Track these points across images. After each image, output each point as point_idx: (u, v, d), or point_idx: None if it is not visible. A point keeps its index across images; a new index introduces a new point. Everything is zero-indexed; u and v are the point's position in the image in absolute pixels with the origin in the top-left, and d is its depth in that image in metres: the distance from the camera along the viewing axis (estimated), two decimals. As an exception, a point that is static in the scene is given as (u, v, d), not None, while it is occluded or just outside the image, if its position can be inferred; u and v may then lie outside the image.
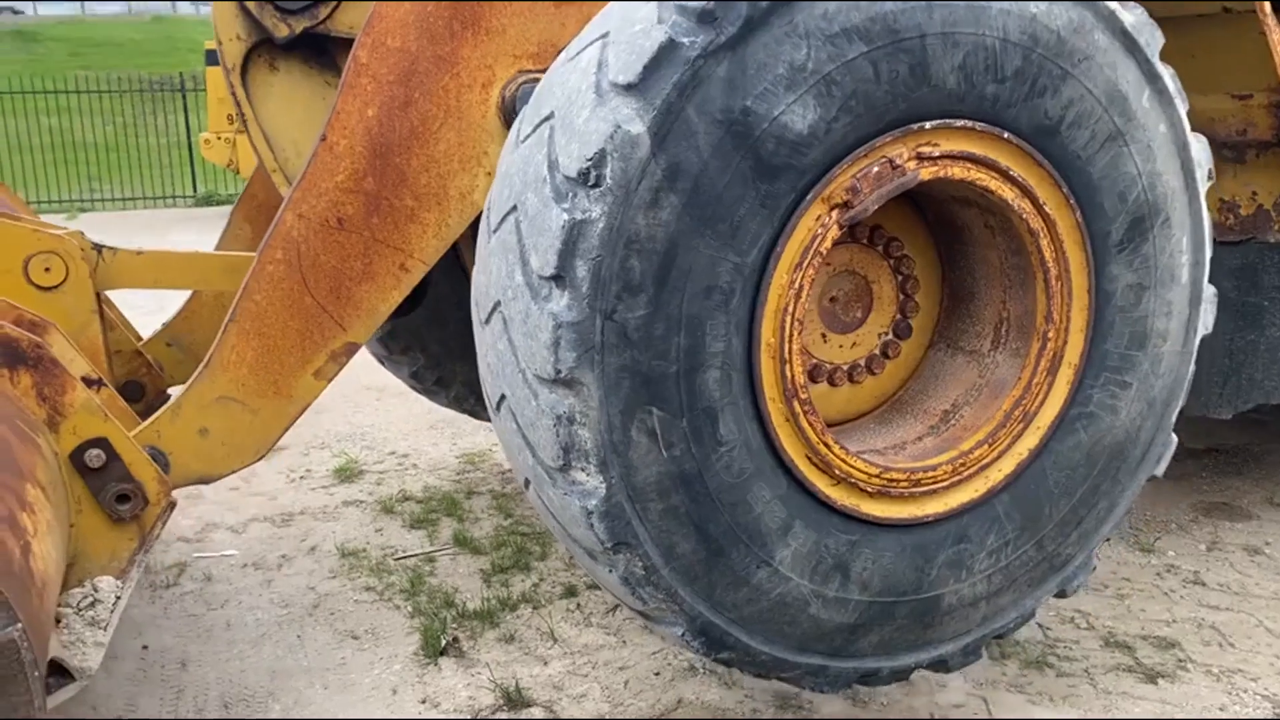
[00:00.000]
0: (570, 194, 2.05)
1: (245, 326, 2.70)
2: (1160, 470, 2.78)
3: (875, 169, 2.22)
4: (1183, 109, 2.52)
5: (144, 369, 3.46)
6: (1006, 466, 2.56)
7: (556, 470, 2.20)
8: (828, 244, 2.23)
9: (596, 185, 2.03)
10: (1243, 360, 3.37)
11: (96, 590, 2.26)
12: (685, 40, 2.02)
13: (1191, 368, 2.74)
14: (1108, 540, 2.87)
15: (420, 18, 2.70)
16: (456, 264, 3.44)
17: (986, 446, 2.54)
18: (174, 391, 3.38)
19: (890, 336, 2.75)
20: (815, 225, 2.21)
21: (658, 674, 2.89)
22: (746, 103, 2.06)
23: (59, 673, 2.05)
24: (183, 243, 12.59)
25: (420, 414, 5.35)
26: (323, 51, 3.25)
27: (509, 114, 2.78)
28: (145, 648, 3.01)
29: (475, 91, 2.77)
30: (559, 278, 2.07)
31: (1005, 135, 2.31)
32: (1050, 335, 2.52)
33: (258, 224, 3.80)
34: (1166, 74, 2.48)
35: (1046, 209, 2.41)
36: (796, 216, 2.17)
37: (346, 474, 4.48)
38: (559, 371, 2.09)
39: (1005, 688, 2.93)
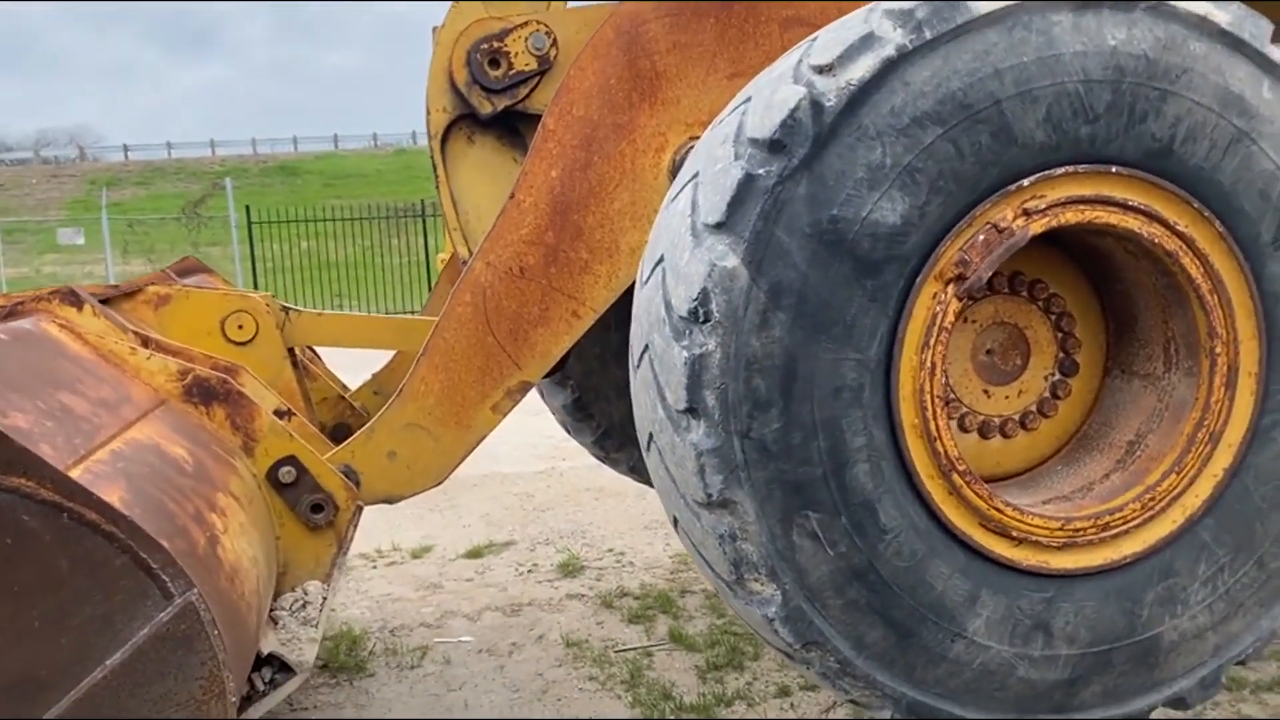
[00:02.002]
0: (686, 332, 2.21)
1: (434, 361, 2.98)
2: (1390, 458, 2.57)
3: (981, 237, 2.24)
4: (1315, 87, 2.38)
5: (349, 412, 3.85)
6: (1203, 491, 2.46)
7: (733, 583, 2.33)
8: (950, 318, 2.27)
9: (706, 320, 2.17)
10: None
11: (306, 594, 2.61)
12: (761, 171, 2.15)
13: (1402, 343, 2.53)
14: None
15: (603, 89, 2.95)
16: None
17: (1175, 475, 2.45)
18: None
19: (1057, 376, 2.71)
20: (933, 304, 2.25)
21: (870, 770, 2.93)
22: (833, 212, 2.15)
23: (283, 669, 2.35)
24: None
25: (636, 515, 5.62)
26: (514, 131, 3.56)
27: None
28: None
29: (649, 156, 2.99)
30: (692, 409, 2.22)
31: (1114, 169, 2.28)
32: (1218, 350, 2.42)
33: None
34: (1285, 58, 2.36)
35: (1179, 227, 2.34)
36: (911, 301, 2.23)
37: (569, 569, 4.77)
38: (710, 496, 2.23)
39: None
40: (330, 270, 21.60)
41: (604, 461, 4.73)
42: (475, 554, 5.10)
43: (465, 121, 3.50)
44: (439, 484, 3.05)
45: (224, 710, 1.87)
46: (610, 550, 5.07)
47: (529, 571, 4.81)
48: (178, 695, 1.84)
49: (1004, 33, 2.19)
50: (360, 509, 2.76)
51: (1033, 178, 2.24)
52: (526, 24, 3.35)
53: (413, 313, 20.72)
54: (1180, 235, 2.35)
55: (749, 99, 2.32)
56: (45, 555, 1.75)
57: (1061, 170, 2.25)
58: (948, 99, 2.16)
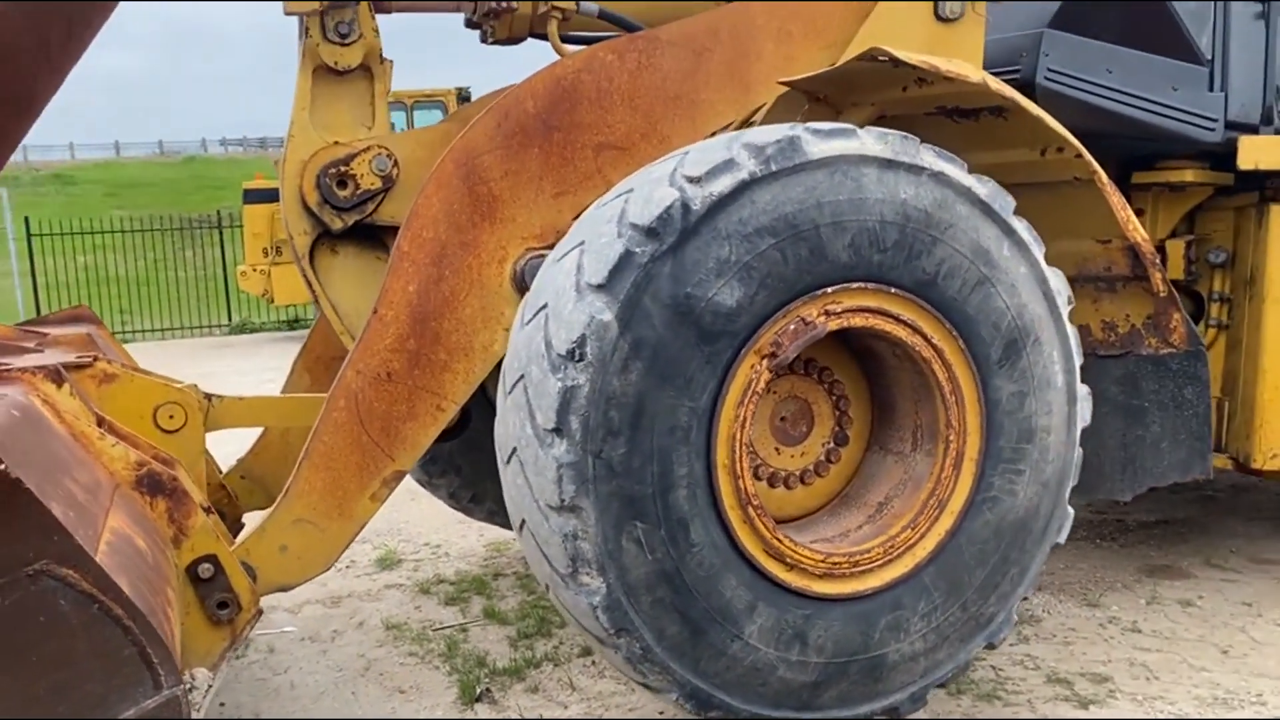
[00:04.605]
0: (563, 367, 2.75)
1: (316, 462, 3.36)
2: (1062, 538, 3.39)
3: (792, 326, 2.91)
4: (1039, 252, 3.21)
5: (225, 499, 4.11)
6: (929, 545, 3.19)
7: (568, 576, 2.85)
8: (762, 385, 2.91)
9: (581, 359, 2.73)
10: (1134, 452, 4.03)
11: (193, 679, 2.76)
12: (638, 250, 2.74)
13: (1078, 452, 3.37)
14: (1025, 599, 3.46)
15: (448, 214, 3.46)
16: (485, 398, 4.14)
17: (910, 530, 3.17)
18: (246, 517, 4.06)
19: (831, 445, 3.41)
20: (750, 372, 2.89)
21: (661, 712, 3.51)
22: (688, 289, 2.77)
23: None
24: (219, 369, 13.54)
25: (451, 511, 6.02)
26: (371, 235, 4.01)
27: (520, 283, 3.51)
28: (222, 704, 3.64)
29: (493, 267, 3.52)
30: (558, 430, 2.75)
31: (893, 290, 3.00)
32: (951, 438, 3.17)
33: (315, 373, 4.55)
34: (1021, 227, 3.17)
35: (934, 341, 3.08)
36: (735, 368, 2.86)
37: (387, 563, 5.15)
38: (563, 501, 2.76)
39: (960, 716, 3.53)
40: (113, 286, 20.54)
41: (424, 486, 5.14)
42: (291, 557, 5.35)
43: (325, 237, 3.96)
44: (328, 569, 3.42)
45: None
46: (427, 544, 5.47)
47: (347, 567, 5.13)
48: None
49: (828, 175, 2.89)
50: (260, 613, 3.05)
51: (835, 287, 2.93)
52: (369, 149, 3.86)
53: (209, 329, 20.16)
54: (934, 347, 3.09)
55: (631, 190, 2.91)
56: (69, 637, 1.97)
57: (856, 285, 2.96)
58: (781, 218, 2.83)
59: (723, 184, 2.80)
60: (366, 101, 3.95)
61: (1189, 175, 4.66)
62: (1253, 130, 4.56)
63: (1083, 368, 3.34)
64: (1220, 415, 4.66)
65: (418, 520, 5.95)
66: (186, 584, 2.89)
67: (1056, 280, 3.26)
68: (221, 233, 21.02)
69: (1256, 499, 6.14)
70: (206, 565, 2.90)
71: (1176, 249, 4.80)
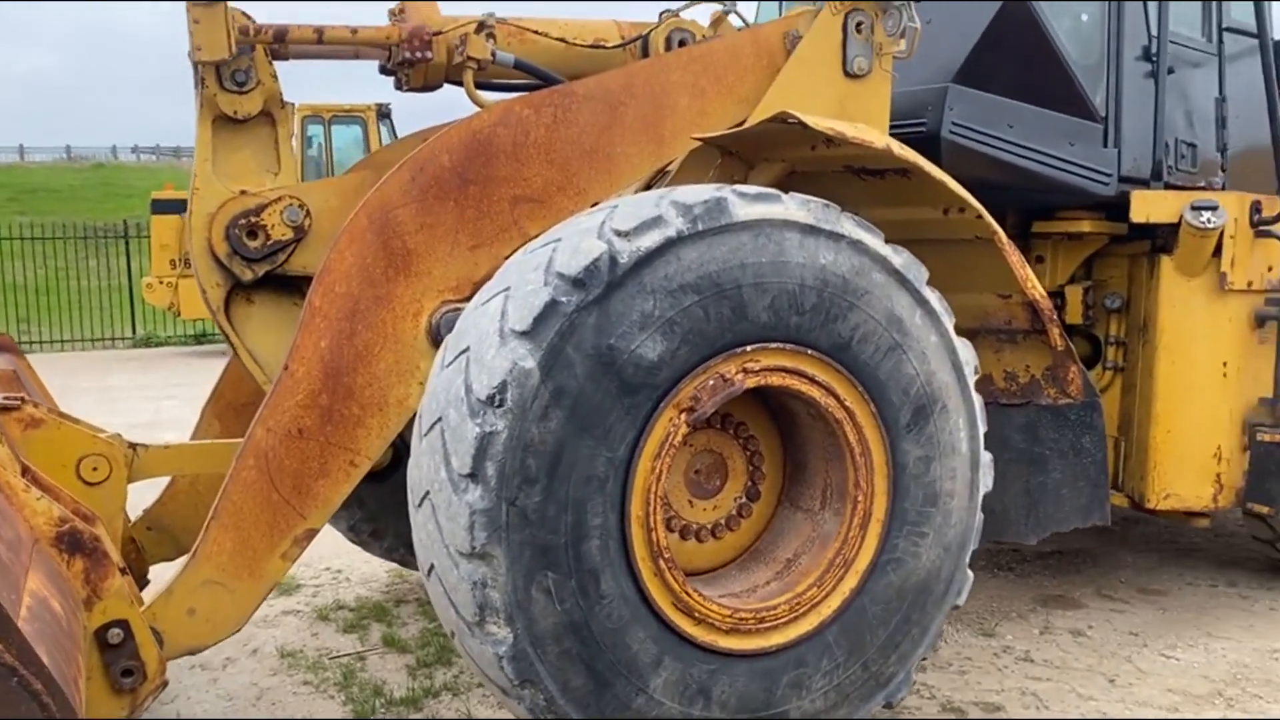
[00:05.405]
0: (482, 412, 2.74)
1: (225, 522, 3.24)
2: (962, 600, 3.48)
3: (711, 382, 2.95)
4: (949, 322, 3.31)
5: (133, 552, 3.95)
6: (834, 603, 3.24)
7: (475, 624, 2.82)
8: (679, 439, 2.94)
9: (500, 405, 2.72)
10: (1037, 498, 4.19)
11: None
12: (563, 299, 2.76)
13: (979, 517, 3.47)
14: (924, 660, 3.54)
15: (362, 268, 3.41)
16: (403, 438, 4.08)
17: (817, 587, 3.22)
18: (154, 570, 3.91)
19: (744, 500, 3.45)
20: (668, 425, 2.92)
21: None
22: (611, 341, 2.79)
23: None
24: (121, 383, 13.09)
25: None
26: (287, 282, 3.95)
27: (435, 336, 3.47)
28: None
29: (407, 320, 3.47)
30: (474, 475, 2.74)
31: (809, 352, 3.07)
32: (859, 498, 3.24)
33: (225, 420, 4.42)
34: (933, 298, 3.27)
35: (846, 403, 3.15)
36: (654, 420, 2.88)
37: (284, 588, 5.02)
38: (474, 547, 2.74)
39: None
40: (10, 294, 19.82)
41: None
42: (184, 582, 5.19)
43: (239, 288, 3.89)
44: (238, 631, 3.32)
45: None
46: (328, 569, 5.35)
47: (242, 593, 4.99)
48: None
49: (752, 236, 2.95)
50: (164, 684, 2.93)
51: (753, 346, 2.99)
52: (280, 199, 3.82)
53: (112, 341, 19.51)
54: (846, 409, 3.16)
55: (559, 240, 2.93)
56: None
57: (775, 345, 3.02)
58: (706, 276, 2.88)
59: (650, 239, 2.84)
60: (270, 147, 3.91)
61: (1086, 225, 4.90)
62: (1144, 184, 4.82)
63: (986, 413, 3.45)
64: (1117, 455, 4.86)
65: (319, 544, 5.75)
66: (94, 648, 2.76)
67: (965, 350, 3.37)
68: (128, 243, 20.50)
69: (1146, 531, 6.40)
70: (117, 630, 2.77)
71: (1075, 294, 5.03)
